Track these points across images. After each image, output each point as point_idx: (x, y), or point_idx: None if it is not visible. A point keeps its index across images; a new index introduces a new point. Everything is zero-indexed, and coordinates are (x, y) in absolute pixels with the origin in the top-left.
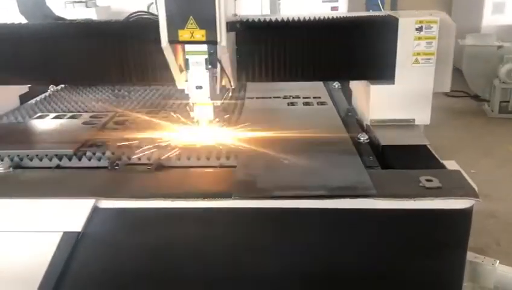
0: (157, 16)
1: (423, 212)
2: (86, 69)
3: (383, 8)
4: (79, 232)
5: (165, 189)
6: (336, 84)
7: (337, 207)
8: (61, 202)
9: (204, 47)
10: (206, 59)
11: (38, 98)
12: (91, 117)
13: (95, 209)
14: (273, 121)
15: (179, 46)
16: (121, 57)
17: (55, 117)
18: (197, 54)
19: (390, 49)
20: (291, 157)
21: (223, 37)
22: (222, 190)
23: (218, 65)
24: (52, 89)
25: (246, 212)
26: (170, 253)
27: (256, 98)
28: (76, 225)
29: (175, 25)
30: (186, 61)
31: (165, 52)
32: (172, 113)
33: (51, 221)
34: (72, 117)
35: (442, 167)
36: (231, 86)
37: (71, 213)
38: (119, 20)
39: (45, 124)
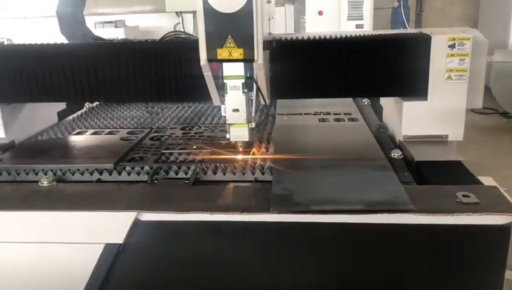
0: (191, 35)
1: (461, 228)
2: (122, 86)
3: (408, 25)
4: (120, 244)
5: (204, 202)
6: (366, 101)
7: (374, 222)
8: (103, 215)
9: (241, 71)
10: (243, 83)
11: (75, 115)
12: (128, 133)
13: (136, 222)
14: (305, 137)
15: (217, 65)
16: (157, 75)
17: (94, 133)
18: (235, 79)
19: (423, 66)
20: (326, 173)
21: (259, 55)
22: (259, 203)
23: (254, 87)
24: (87, 106)
25: (283, 226)
26: (209, 265)
27: (287, 114)
28: (118, 237)
29: (214, 44)
30: (223, 85)
31: (203, 70)
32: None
33: (93, 233)
34: (109, 133)
35: (479, 182)
36: (265, 102)
37: (113, 225)
38: (155, 40)
39: (84, 139)
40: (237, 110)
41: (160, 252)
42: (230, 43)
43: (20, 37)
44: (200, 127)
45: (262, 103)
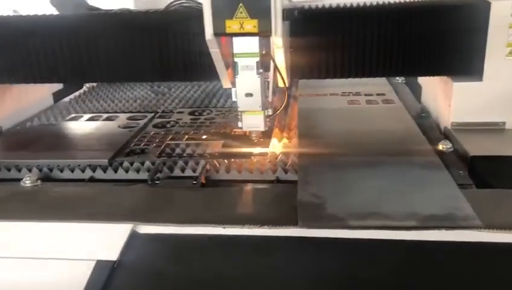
0: (200, 4)
1: None
2: (121, 64)
3: None
4: (115, 261)
5: (214, 210)
6: (400, 78)
7: (428, 239)
8: (94, 227)
9: (255, 47)
10: (257, 62)
11: (72, 96)
12: (128, 119)
13: (133, 235)
14: (332, 124)
15: (227, 39)
16: (161, 50)
17: (90, 119)
18: (248, 57)
19: (479, 39)
20: (364, 172)
21: (278, 27)
22: (283, 213)
23: (271, 67)
24: (87, 86)
25: (313, 243)
26: (220, 287)
27: (310, 95)
28: (112, 252)
29: (222, 14)
30: (234, 65)
31: (210, 46)
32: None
33: (83, 248)
34: (107, 119)
35: None
36: (285, 84)
37: (106, 239)
38: (158, 10)
39: (78, 127)
40: (250, 94)
41: (161, 271)
42: (241, 12)
43: (28, 8)
44: (211, 111)
45: (281, 85)
